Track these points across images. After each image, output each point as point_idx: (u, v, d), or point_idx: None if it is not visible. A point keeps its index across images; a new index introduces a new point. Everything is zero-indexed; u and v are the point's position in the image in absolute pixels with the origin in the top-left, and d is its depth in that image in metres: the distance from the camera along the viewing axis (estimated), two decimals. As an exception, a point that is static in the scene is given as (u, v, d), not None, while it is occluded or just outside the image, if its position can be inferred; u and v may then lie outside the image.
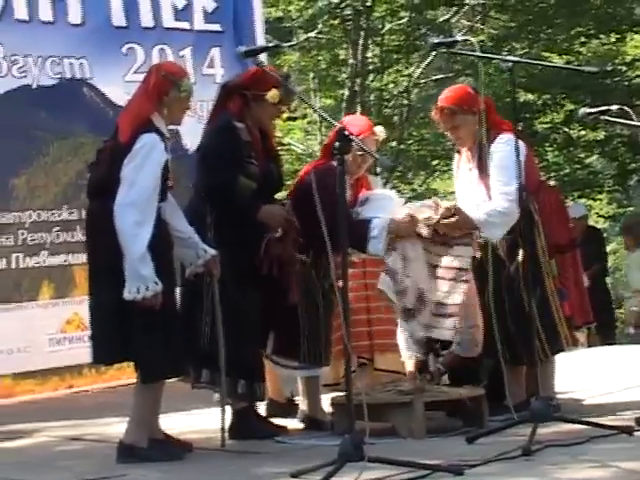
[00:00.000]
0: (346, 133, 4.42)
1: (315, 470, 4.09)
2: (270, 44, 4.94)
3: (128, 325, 4.78)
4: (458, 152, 5.85)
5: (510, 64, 5.20)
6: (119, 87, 8.65)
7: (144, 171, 4.77)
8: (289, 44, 15.67)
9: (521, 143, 5.35)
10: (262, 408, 5.59)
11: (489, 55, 5.88)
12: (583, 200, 15.99)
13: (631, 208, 19.12)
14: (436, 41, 5.40)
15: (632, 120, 5.83)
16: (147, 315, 4.71)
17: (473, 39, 5.35)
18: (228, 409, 5.26)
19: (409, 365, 6.07)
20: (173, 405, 5.51)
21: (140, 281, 4.68)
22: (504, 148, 5.46)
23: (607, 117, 6.05)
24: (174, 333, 4.85)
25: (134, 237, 4.70)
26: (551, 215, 5.66)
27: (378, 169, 11.83)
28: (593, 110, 6.05)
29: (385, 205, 5.58)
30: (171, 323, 4.85)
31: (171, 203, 5.05)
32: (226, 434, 5.13)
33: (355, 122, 5.73)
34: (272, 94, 5.25)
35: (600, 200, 17.87)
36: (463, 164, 5.77)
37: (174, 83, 4.96)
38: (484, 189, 5.56)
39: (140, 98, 5.02)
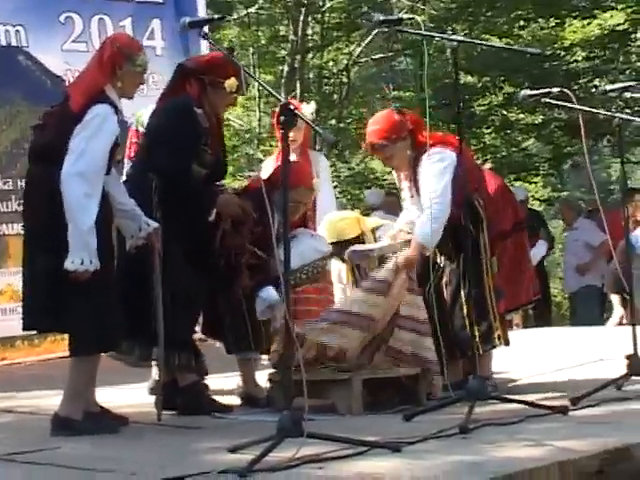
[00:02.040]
0: (291, 107, 4.38)
1: (253, 445, 4.06)
2: (215, 16, 4.86)
3: (63, 295, 4.71)
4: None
5: (455, 44, 5.17)
6: (57, 56, 8.55)
7: (95, 142, 4.70)
8: (234, 17, 15.58)
9: (449, 152, 5.47)
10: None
11: (434, 34, 5.85)
12: (519, 183, 16.11)
13: (565, 193, 19.35)
14: (382, 18, 5.36)
15: (572, 103, 5.87)
16: (82, 287, 4.64)
17: (418, 18, 5.32)
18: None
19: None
20: (110, 379, 5.45)
21: (85, 252, 4.61)
22: (427, 164, 5.51)
23: (548, 99, 6.10)
24: (110, 306, 4.78)
25: (84, 208, 4.63)
26: (497, 201, 5.71)
27: (318, 146, 11.80)
28: (534, 92, 6.07)
29: (304, 252, 5.51)
30: (107, 296, 4.78)
31: (113, 175, 4.98)
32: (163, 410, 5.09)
33: (293, 172, 5.59)
34: (230, 82, 5.24)
35: (535, 183, 18.04)
36: (404, 185, 5.83)
37: (129, 57, 4.90)
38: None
39: (94, 69, 4.94)
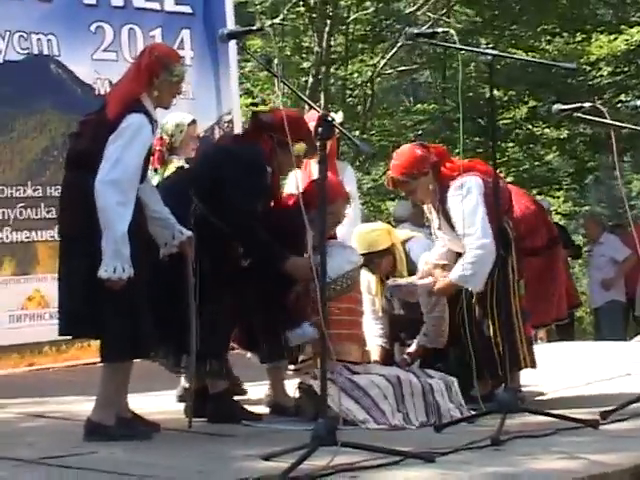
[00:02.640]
0: (329, 119, 4.42)
1: (286, 453, 4.09)
2: (253, 27, 4.88)
3: (97, 301, 4.74)
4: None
5: (490, 57, 5.20)
6: (87, 65, 8.61)
7: (130, 150, 4.74)
8: (266, 26, 15.62)
9: (477, 180, 5.49)
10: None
11: (469, 48, 5.87)
12: (541, 197, 16.11)
13: (586, 208, 19.33)
14: (416, 32, 5.41)
15: (605, 118, 5.89)
16: (116, 294, 4.67)
17: (453, 31, 5.35)
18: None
19: (374, 354, 6.14)
20: (141, 385, 5.48)
21: (119, 260, 4.65)
22: (456, 200, 5.54)
23: (580, 114, 6.12)
24: (143, 314, 4.81)
25: (118, 216, 4.66)
26: (530, 220, 5.73)
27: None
28: (567, 107, 6.10)
29: (336, 264, 5.53)
30: (140, 304, 4.80)
31: (148, 183, 5.02)
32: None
33: (333, 189, 5.53)
34: (299, 147, 5.17)
35: (557, 198, 18.04)
36: (431, 216, 5.86)
37: (166, 66, 4.91)
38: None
39: (131, 77, 4.97)
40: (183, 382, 5.76)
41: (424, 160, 5.66)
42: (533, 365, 5.73)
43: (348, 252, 5.66)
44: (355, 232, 6.17)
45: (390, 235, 6.08)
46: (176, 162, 6.32)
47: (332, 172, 6.56)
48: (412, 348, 5.96)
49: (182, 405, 5.50)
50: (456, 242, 5.67)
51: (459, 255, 5.65)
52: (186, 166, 6.13)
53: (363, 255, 5.89)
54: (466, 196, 5.51)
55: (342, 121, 6.63)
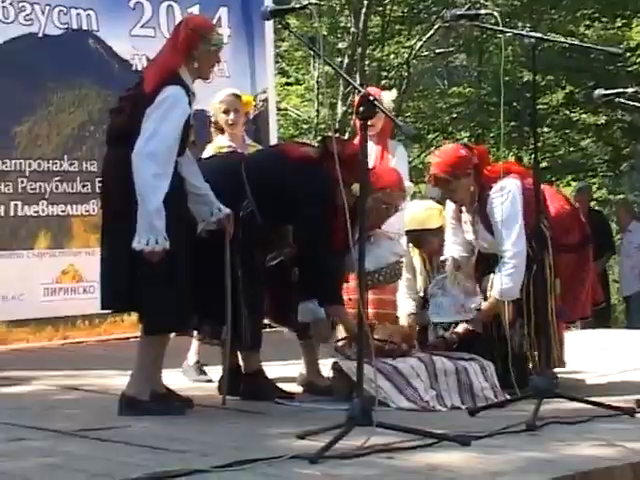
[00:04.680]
0: (370, 98, 4.38)
1: (321, 432, 4.09)
2: (297, 5, 4.84)
3: (137, 275, 4.74)
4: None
5: (533, 40, 5.14)
6: (125, 41, 8.64)
7: (166, 123, 4.73)
8: (300, 6, 15.58)
9: (515, 182, 5.50)
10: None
11: (513, 30, 5.81)
12: (575, 183, 16.02)
13: (621, 195, 19.19)
14: (458, 13, 5.36)
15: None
16: (156, 266, 4.67)
17: (496, 13, 5.31)
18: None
19: (403, 319, 6.10)
20: (176, 361, 5.50)
21: (152, 233, 4.64)
22: (496, 200, 5.53)
23: (622, 100, 6.06)
24: (182, 286, 4.80)
25: (153, 188, 4.66)
26: (564, 219, 5.69)
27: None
28: (608, 92, 6.04)
29: (381, 255, 5.50)
30: (180, 276, 4.79)
31: (188, 158, 5.02)
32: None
33: (385, 175, 5.61)
34: (357, 188, 4.71)
35: (592, 184, 17.92)
36: (466, 217, 5.81)
37: (204, 36, 4.90)
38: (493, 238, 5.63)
39: (168, 51, 4.96)
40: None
41: (468, 161, 5.63)
42: (562, 365, 5.73)
43: (393, 243, 5.64)
44: (408, 208, 6.12)
45: (441, 215, 6.04)
46: (219, 141, 6.29)
47: (384, 150, 6.53)
48: (459, 328, 5.86)
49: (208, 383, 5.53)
50: (490, 245, 5.65)
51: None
52: (227, 147, 6.12)
53: (414, 232, 5.88)
54: (507, 200, 5.51)
55: (395, 99, 6.57)
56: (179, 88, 4.80)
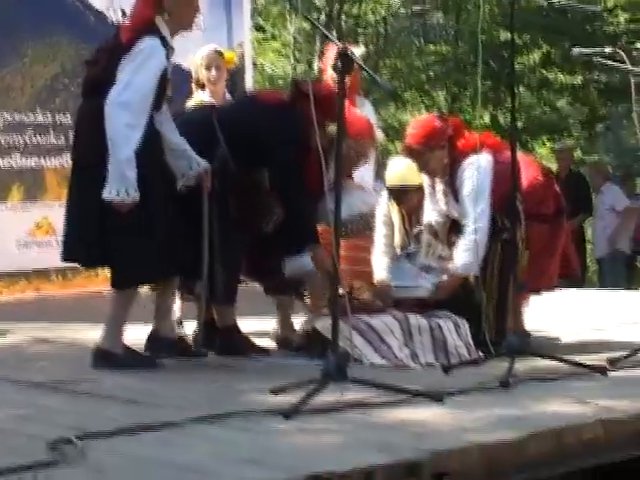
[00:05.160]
0: (348, 53, 4.35)
1: (295, 387, 4.09)
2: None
3: (106, 228, 4.71)
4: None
5: (511, -4, 5.08)
6: (101, -7, 8.53)
7: (141, 73, 4.68)
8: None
9: (487, 157, 5.47)
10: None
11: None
12: (550, 144, 16.06)
13: (595, 157, 19.21)
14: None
15: (625, 64, 5.80)
16: (125, 218, 4.63)
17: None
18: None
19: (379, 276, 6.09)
20: (145, 315, 5.49)
21: (122, 183, 4.60)
22: (466, 174, 5.50)
23: (600, 59, 6.02)
24: (157, 240, 4.75)
25: (124, 138, 4.61)
26: (538, 191, 5.67)
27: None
28: (587, 51, 6.00)
29: (353, 204, 5.47)
30: (156, 229, 4.75)
31: (164, 114, 4.96)
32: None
33: (356, 122, 5.51)
34: (332, 128, 4.84)
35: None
36: (439, 188, 5.77)
37: None
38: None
39: (140, 2, 4.90)
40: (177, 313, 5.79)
41: (442, 132, 5.61)
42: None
43: (365, 193, 5.63)
44: (390, 165, 6.11)
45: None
46: (199, 97, 6.24)
47: (351, 105, 6.50)
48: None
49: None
50: (460, 216, 5.64)
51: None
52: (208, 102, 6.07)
53: (395, 188, 5.87)
54: (476, 175, 5.46)
55: (364, 56, 6.53)
56: (156, 39, 4.75)
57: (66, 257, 4.97)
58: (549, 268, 5.77)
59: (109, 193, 4.62)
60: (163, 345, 5.06)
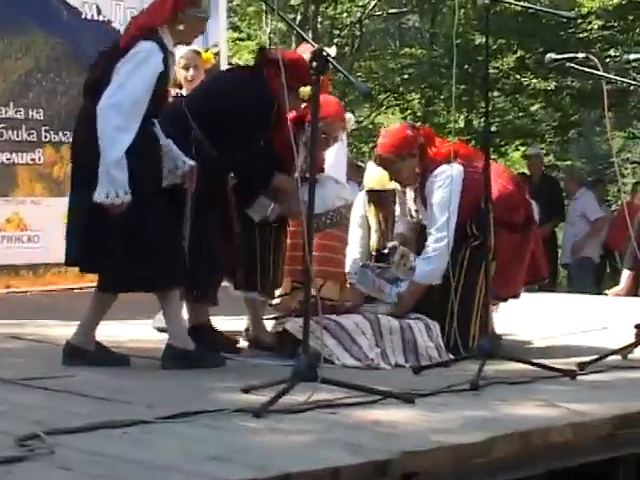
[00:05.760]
0: (324, 54, 4.35)
1: (266, 387, 4.09)
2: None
3: (96, 231, 4.69)
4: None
5: (487, 1, 5.10)
6: (75, -11, 8.49)
7: (135, 76, 4.66)
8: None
9: (458, 168, 5.46)
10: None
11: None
12: (524, 148, 16.11)
13: (568, 162, 19.33)
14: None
15: (597, 70, 5.84)
16: (115, 222, 4.61)
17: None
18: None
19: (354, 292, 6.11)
20: (122, 314, 5.48)
21: (112, 186, 4.58)
22: (435, 187, 5.50)
23: (573, 65, 6.06)
24: (144, 245, 4.70)
25: (113, 140, 4.59)
26: (508, 200, 5.68)
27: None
28: (559, 56, 6.03)
29: (327, 198, 5.49)
30: (142, 234, 4.70)
31: None
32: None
33: (326, 104, 5.42)
34: (305, 91, 5.04)
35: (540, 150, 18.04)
36: (410, 200, 5.79)
37: (195, 3, 4.85)
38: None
39: (154, 8, 4.90)
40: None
41: (413, 141, 5.60)
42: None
43: (340, 187, 5.64)
44: (369, 168, 6.13)
45: None
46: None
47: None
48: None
49: (160, 335, 5.49)
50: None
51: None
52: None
53: (374, 191, 5.87)
54: (445, 185, 5.46)
55: (335, 57, 6.54)
56: (154, 44, 4.73)
57: (68, 261, 4.94)
58: (516, 276, 5.78)
59: (98, 195, 4.60)
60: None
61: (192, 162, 4.95)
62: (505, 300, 5.91)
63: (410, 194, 5.76)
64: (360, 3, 16.82)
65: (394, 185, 5.90)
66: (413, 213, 5.77)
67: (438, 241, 5.43)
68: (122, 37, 4.87)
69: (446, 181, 5.46)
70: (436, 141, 5.70)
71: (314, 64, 4.33)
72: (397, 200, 5.86)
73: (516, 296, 5.93)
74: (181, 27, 4.85)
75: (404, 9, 17.21)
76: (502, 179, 5.80)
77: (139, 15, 5.06)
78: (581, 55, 5.97)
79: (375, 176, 6.00)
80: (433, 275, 5.46)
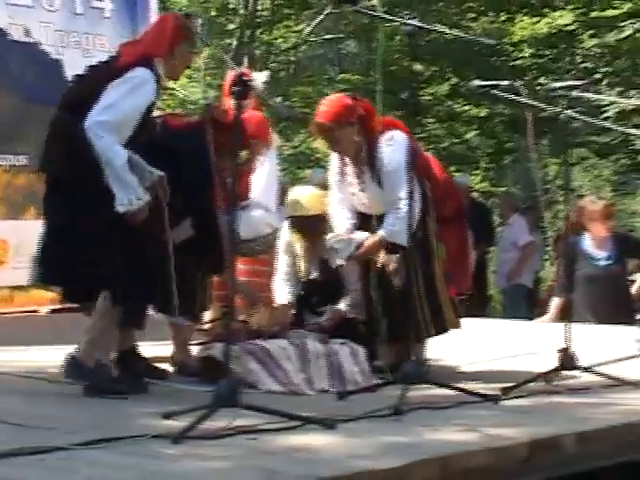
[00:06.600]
0: (245, 79, 4.36)
1: (187, 412, 4.06)
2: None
3: (102, 246, 4.69)
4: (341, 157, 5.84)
5: (410, 28, 5.15)
6: (1, 9, 8.38)
7: (127, 99, 4.69)
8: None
9: (404, 136, 5.51)
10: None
11: (391, 17, 5.82)
12: (459, 174, 16.21)
13: (503, 188, 19.49)
14: (341, -4, 5.37)
15: (521, 97, 5.91)
16: (121, 235, 4.65)
17: (376, 1, 5.33)
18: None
19: (282, 316, 6.09)
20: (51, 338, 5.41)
21: (127, 192, 4.59)
22: (387, 149, 5.55)
23: (497, 92, 6.12)
24: (146, 257, 4.75)
25: (113, 150, 4.61)
26: (444, 188, 5.74)
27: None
28: (485, 83, 6.10)
29: (256, 225, 5.49)
30: (143, 247, 4.75)
31: None
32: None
33: (251, 123, 5.54)
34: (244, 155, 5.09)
35: (475, 176, 18.18)
36: (350, 170, 5.78)
37: (190, 38, 4.93)
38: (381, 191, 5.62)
39: (153, 38, 4.95)
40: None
41: (352, 110, 5.63)
42: (458, 326, 5.80)
43: (267, 215, 5.63)
44: (291, 194, 6.13)
45: (324, 201, 5.99)
46: None
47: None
48: (328, 315, 5.89)
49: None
50: (377, 198, 5.63)
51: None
52: None
53: (296, 218, 5.87)
54: (397, 149, 5.50)
55: (268, 80, 6.54)
56: (151, 73, 4.77)
57: (43, 280, 4.99)
58: (467, 271, 5.86)
59: (122, 205, 4.60)
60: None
61: (160, 172, 4.89)
62: (461, 295, 5.99)
63: (352, 170, 5.72)
64: (296, 28, 16.87)
65: (318, 209, 5.90)
66: (354, 189, 5.74)
67: (406, 205, 5.33)
68: (118, 58, 4.88)
69: (399, 145, 5.50)
70: (375, 114, 5.71)
71: (234, 88, 4.35)
72: (334, 180, 5.83)
73: (467, 292, 6.04)
74: (175, 62, 4.92)
75: (340, 35, 17.27)
76: (439, 166, 5.87)
77: (136, 42, 5.11)
78: (505, 82, 6.03)
79: (296, 203, 5.99)
80: (401, 236, 5.33)
